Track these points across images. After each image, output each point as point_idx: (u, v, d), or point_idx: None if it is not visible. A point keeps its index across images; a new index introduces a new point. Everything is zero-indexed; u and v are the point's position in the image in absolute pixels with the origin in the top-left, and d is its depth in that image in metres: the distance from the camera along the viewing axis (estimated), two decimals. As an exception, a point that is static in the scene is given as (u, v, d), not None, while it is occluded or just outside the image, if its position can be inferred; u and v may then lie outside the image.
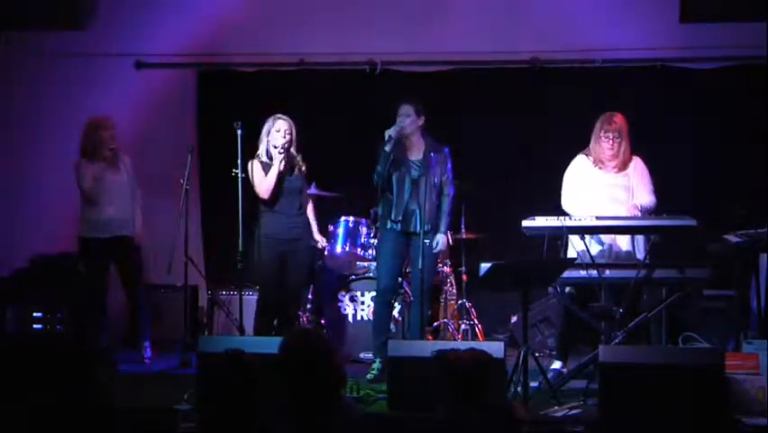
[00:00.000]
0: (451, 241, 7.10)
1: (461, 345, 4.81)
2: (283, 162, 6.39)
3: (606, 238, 6.17)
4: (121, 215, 6.99)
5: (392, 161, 6.31)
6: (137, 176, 7.15)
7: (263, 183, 6.41)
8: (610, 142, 6.20)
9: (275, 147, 6.39)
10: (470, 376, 3.51)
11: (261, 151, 6.46)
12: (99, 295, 7.00)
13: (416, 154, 6.41)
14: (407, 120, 6.34)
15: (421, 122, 6.39)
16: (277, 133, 6.41)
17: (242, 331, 6.74)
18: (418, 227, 6.29)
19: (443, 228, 6.45)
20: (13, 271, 7.45)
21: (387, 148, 6.28)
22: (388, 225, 6.42)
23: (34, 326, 7.26)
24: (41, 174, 8.05)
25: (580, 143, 6.40)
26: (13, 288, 7.35)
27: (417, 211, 6.30)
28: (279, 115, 6.47)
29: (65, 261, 7.48)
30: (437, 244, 6.40)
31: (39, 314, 7.25)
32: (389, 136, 6.27)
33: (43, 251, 7.60)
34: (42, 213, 7.99)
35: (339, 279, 7.33)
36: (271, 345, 3.68)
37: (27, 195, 8.07)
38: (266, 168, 6.42)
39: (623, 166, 6.26)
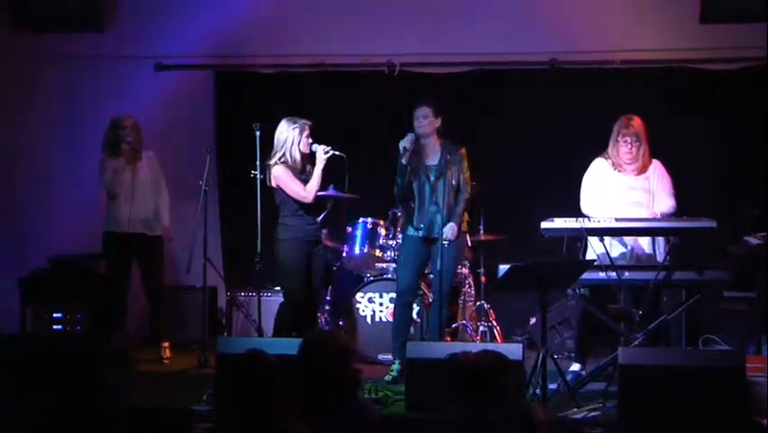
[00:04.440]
0: (469, 242, 7.09)
1: (477, 346, 4.81)
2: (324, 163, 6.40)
3: (628, 240, 6.15)
4: (141, 212, 7.07)
5: (413, 168, 6.31)
6: (163, 171, 7.21)
7: (312, 188, 6.39)
8: (629, 145, 6.17)
9: (325, 151, 6.37)
10: (479, 378, 3.51)
11: (287, 156, 6.43)
12: (119, 294, 7.05)
13: (432, 158, 6.40)
14: (425, 122, 6.33)
15: (438, 123, 6.38)
16: (306, 138, 6.41)
17: (260, 332, 6.78)
18: (438, 232, 6.28)
19: (454, 219, 6.39)
20: (33, 271, 7.48)
21: (403, 161, 6.27)
22: (411, 232, 6.44)
23: (54, 327, 7.29)
24: (62, 175, 8.09)
25: (598, 146, 6.38)
26: (33, 288, 7.38)
27: (438, 216, 6.29)
28: (300, 119, 6.45)
29: (85, 261, 7.53)
30: (445, 232, 6.32)
31: (59, 315, 7.28)
32: (404, 148, 6.26)
33: (63, 251, 7.64)
34: (63, 213, 8.02)
35: (357, 280, 7.34)
36: (291, 346, 3.69)
37: (48, 195, 8.11)
38: (294, 173, 6.42)
39: (642, 169, 6.24)
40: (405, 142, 6.28)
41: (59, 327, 7.26)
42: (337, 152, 6.44)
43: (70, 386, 3.37)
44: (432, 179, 6.34)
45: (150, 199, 7.14)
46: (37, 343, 6.07)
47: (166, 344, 7.14)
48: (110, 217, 7.09)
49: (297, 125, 6.41)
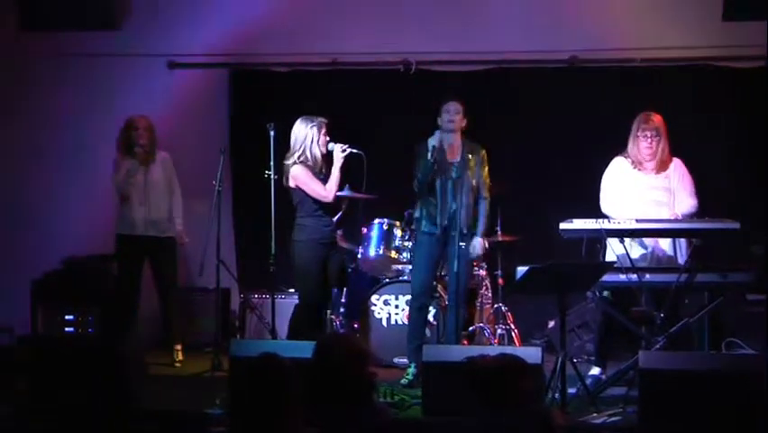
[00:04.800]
0: (487, 244, 7.06)
1: (494, 350, 4.79)
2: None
3: (648, 241, 6.12)
4: (154, 214, 7.08)
5: (436, 165, 6.30)
6: (176, 173, 7.23)
7: (332, 187, 6.39)
8: (648, 140, 6.15)
9: (342, 149, 6.37)
10: (497, 381, 3.49)
11: (307, 154, 6.40)
12: (130, 296, 7.06)
13: (454, 155, 6.38)
14: (457, 117, 6.31)
15: (464, 123, 6.37)
16: (324, 137, 6.41)
17: (274, 335, 6.77)
18: (456, 230, 6.26)
19: (480, 232, 6.43)
20: (46, 272, 7.50)
21: (430, 158, 6.24)
22: (426, 229, 6.41)
23: (66, 328, 7.31)
24: (74, 175, 8.10)
25: (618, 145, 6.36)
26: (45, 290, 7.40)
27: (457, 213, 6.28)
28: (316, 118, 6.44)
29: (97, 263, 7.55)
30: (474, 247, 6.40)
31: (71, 316, 7.30)
32: (434, 147, 6.24)
33: (76, 252, 7.65)
34: (76, 214, 8.05)
35: (372, 282, 7.32)
36: (305, 349, 3.68)
37: (60, 196, 8.13)
38: (314, 173, 6.41)
39: (662, 166, 6.21)
40: (434, 141, 6.26)
41: (71, 328, 7.28)
42: (355, 150, 6.43)
43: (93, 388, 3.38)
44: (454, 176, 6.31)
45: (164, 201, 7.15)
46: (54, 344, 6.10)
47: (178, 346, 7.16)
48: (123, 220, 7.11)
49: (314, 123, 6.40)
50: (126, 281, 7.11)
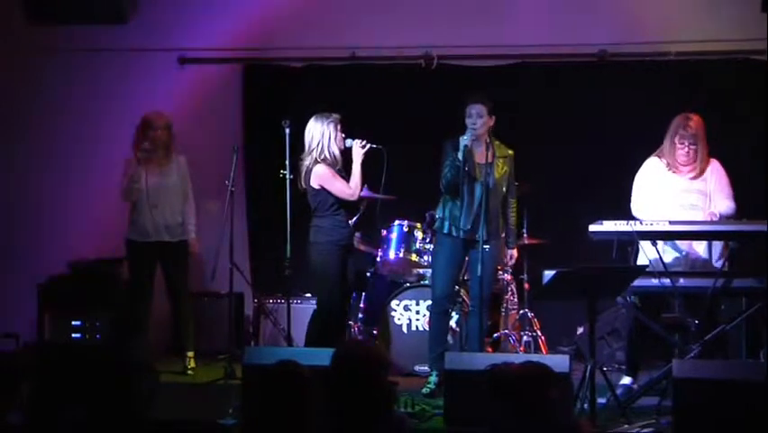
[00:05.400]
0: (516, 253, 7.07)
1: (520, 358, 4.80)
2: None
3: (682, 245, 6.10)
4: (168, 218, 7.10)
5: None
6: (188, 174, 7.24)
7: (356, 184, 6.43)
8: (686, 148, 6.13)
9: (362, 145, 6.41)
10: (522, 391, 3.50)
11: (326, 153, 6.42)
12: (141, 302, 7.10)
13: (482, 158, 6.37)
14: (480, 121, 6.31)
15: (492, 122, 6.37)
16: (340, 134, 6.44)
17: (290, 342, 6.79)
18: (480, 234, 6.28)
19: (512, 243, 6.55)
20: (52, 276, 7.53)
21: (460, 156, 6.25)
22: (447, 230, 6.42)
23: (73, 335, 7.35)
24: (82, 174, 8.15)
25: (651, 143, 6.34)
26: (52, 295, 7.44)
27: (481, 217, 6.29)
28: (330, 114, 6.47)
29: (106, 266, 7.57)
30: (511, 258, 6.56)
31: (78, 322, 7.34)
32: (465, 145, 6.25)
33: (84, 254, 7.70)
34: (84, 215, 8.08)
35: (392, 286, 7.34)
36: (323, 356, 3.70)
37: (66, 196, 8.17)
38: (336, 171, 6.44)
39: (699, 173, 6.19)
40: (466, 140, 6.25)
41: (78, 334, 7.33)
42: (374, 145, 6.46)
43: (101, 397, 3.40)
44: (481, 178, 6.31)
45: (177, 206, 7.15)
46: (60, 351, 6.13)
47: (190, 354, 7.19)
48: (134, 225, 7.11)
49: (330, 120, 6.44)
50: (138, 287, 7.14)
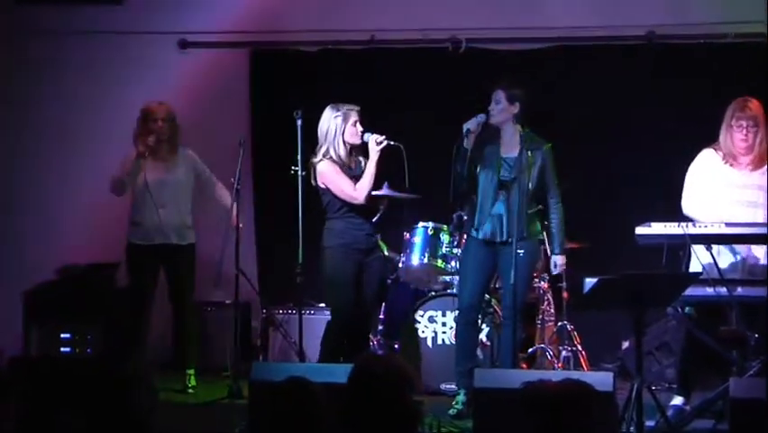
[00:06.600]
0: (549, 251, 7.05)
1: (558, 375, 4.77)
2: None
3: (740, 249, 6.08)
4: (170, 219, 7.10)
5: (483, 156, 6.30)
6: (204, 168, 7.23)
7: (364, 186, 6.43)
8: (744, 131, 6.12)
9: (378, 141, 6.39)
10: (560, 412, 3.48)
11: (331, 150, 6.45)
12: (140, 312, 7.10)
13: (510, 150, 6.36)
14: (497, 108, 6.30)
15: (515, 110, 6.34)
16: (353, 127, 6.43)
17: (301, 356, 6.80)
18: (505, 236, 6.26)
19: (557, 247, 6.47)
20: (39, 284, 7.53)
21: (465, 144, 6.25)
22: (472, 233, 6.41)
23: (62, 348, 7.36)
24: (70, 170, 8.17)
25: (704, 135, 6.32)
26: (39, 304, 7.45)
27: (505, 217, 6.26)
28: (344, 105, 6.47)
29: (99, 273, 7.58)
30: (555, 266, 6.50)
31: (67, 335, 7.34)
32: (468, 130, 6.25)
33: (75, 260, 7.69)
34: (73, 215, 8.10)
35: (416, 296, 7.33)
36: (338, 373, 3.69)
37: (54, 193, 8.20)
38: (343, 169, 6.45)
39: (760, 162, 6.16)
40: (470, 124, 6.27)
41: (68, 348, 7.32)
42: (392, 142, 6.45)
43: (94, 418, 3.41)
44: (504, 174, 6.29)
45: (185, 205, 7.16)
46: (49, 367, 6.14)
47: (191, 371, 7.18)
48: (136, 226, 7.11)
49: (339, 113, 6.43)
50: (138, 294, 7.14)
